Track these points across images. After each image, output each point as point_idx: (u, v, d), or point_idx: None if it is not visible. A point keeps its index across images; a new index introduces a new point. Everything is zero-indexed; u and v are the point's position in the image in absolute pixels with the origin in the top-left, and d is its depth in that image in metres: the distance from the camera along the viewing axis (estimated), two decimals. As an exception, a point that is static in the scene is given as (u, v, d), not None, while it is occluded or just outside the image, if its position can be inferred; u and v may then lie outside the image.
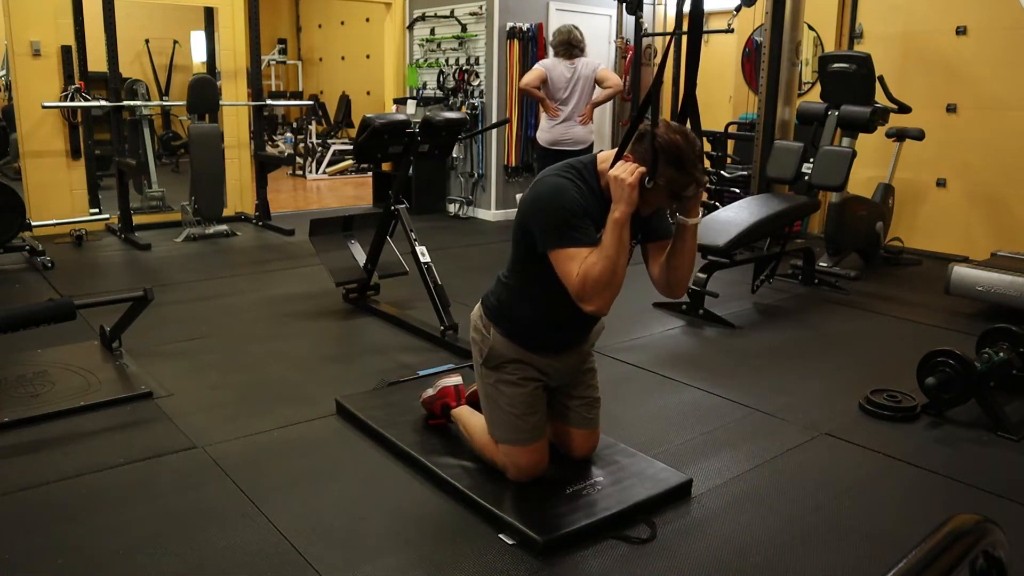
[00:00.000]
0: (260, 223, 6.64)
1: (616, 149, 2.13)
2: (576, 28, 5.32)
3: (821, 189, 5.06)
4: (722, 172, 6.84)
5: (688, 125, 2.15)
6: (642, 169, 2.03)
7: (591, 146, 5.41)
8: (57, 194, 5.94)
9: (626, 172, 2.03)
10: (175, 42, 9.07)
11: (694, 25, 2.29)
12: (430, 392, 2.76)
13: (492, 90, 7.03)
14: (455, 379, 2.74)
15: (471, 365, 2.69)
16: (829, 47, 6.43)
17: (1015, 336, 3.17)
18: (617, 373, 3.46)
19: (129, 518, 2.26)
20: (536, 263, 2.18)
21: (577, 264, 2.05)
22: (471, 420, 2.56)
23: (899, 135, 5.68)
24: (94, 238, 5.96)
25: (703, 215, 5.92)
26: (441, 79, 7.43)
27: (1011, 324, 3.23)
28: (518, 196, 7.13)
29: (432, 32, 7.54)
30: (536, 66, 5.48)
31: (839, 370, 3.62)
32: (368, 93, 10.94)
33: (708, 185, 6.99)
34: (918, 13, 5.97)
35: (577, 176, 2.14)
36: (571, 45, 5.25)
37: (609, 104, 7.35)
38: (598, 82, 5.30)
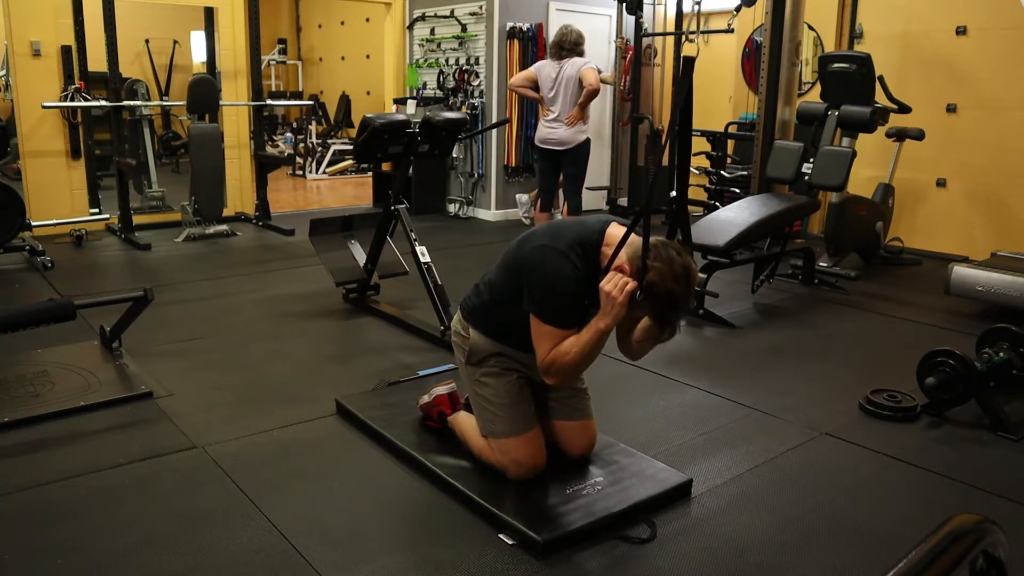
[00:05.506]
0: (260, 223, 6.64)
1: (623, 231, 2.13)
2: (572, 30, 5.24)
3: (821, 189, 5.06)
4: (722, 172, 6.83)
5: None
6: (632, 286, 2.03)
7: (580, 146, 5.29)
8: (57, 194, 5.94)
9: (616, 289, 2.03)
10: (175, 42, 9.06)
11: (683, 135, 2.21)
12: (426, 399, 2.77)
13: (492, 90, 7.03)
14: (449, 385, 2.76)
15: None
16: (829, 47, 6.43)
17: (1015, 336, 3.16)
18: (617, 373, 3.46)
19: (129, 518, 2.26)
20: (519, 297, 2.24)
21: (551, 344, 2.17)
22: (467, 425, 2.58)
23: (899, 135, 5.68)
24: (94, 238, 5.96)
25: (704, 215, 5.91)
26: (441, 79, 7.43)
27: (1011, 324, 3.22)
28: (519, 196, 7.14)
29: (432, 32, 7.53)
30: (530, 67, 5.53)
31: (839, 370, 3.62)
32: (368, 93, 10.94)
33: (708, 185, 7.00)
34: (918, 13, 5.97)
35: (581, 258, 2.16)
36: (560, 47, 5.23)
37: (608, 104, 7.36)
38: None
